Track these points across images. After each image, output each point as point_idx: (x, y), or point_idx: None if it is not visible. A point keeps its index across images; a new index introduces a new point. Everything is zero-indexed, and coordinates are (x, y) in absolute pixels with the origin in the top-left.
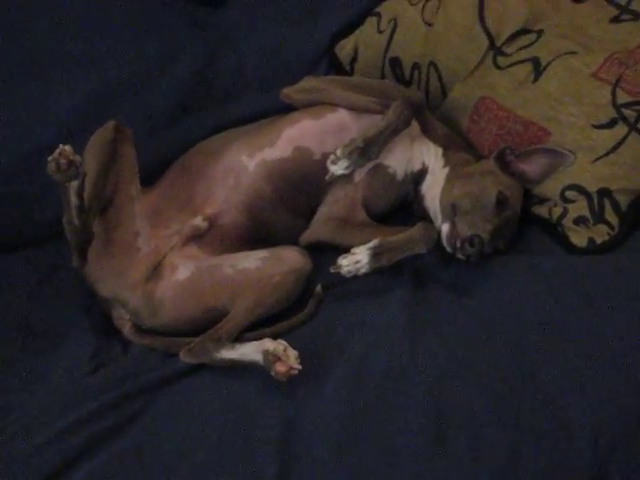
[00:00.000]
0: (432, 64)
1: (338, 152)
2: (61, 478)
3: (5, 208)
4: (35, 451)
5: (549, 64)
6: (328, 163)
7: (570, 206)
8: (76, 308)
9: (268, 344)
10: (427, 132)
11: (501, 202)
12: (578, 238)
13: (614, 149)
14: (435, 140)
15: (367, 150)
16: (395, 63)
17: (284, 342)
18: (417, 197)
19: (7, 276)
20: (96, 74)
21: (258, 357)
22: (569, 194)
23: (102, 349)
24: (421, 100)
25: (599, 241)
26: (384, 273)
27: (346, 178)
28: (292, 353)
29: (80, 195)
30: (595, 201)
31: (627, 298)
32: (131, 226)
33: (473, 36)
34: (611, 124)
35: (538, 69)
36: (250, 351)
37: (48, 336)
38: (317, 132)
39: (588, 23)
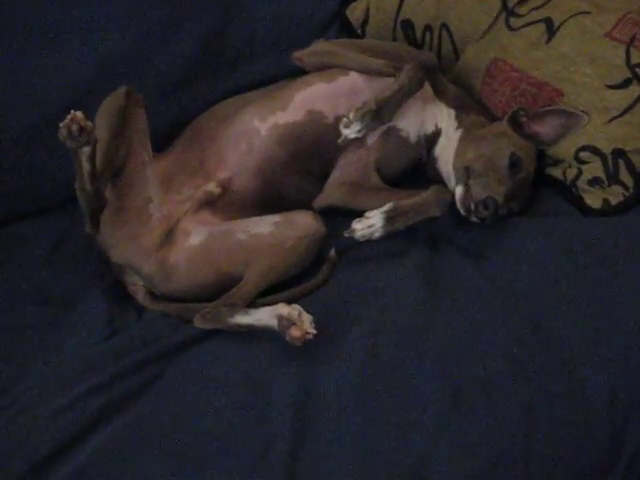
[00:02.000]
0: (444, 26)
1: (351, 115)
2: (79, 444)
3: (17, 175)
4: (52, 417)
5: (562, 24)
6: (341, 126)
7: (584, 167)
8: (89, 275)
9: (282, 309)
10: (440, 94)
11: (515, 164)
12: (593, 199)
13: (628, 109)
14: (448, 102)
15: (380, 113)
16: (407, 25)
17: (298, 307)
18: (430, 160)
19: (20, 244)
20: (106, 40)
21: (273, 322)
22: (583, 155)
23: (116, 315)
24: (433, 62)
25: (614, 202)
26: (398, 237)
27: (359, 141)
28: (307, 318)
29: (92, 161)
30: (609, 162)
31: None
32: (143, 192)
33: None
34: (625, 84)
35: (551, 29)
36: (264, 316)
37: (62, 303)
38: (329, 95)
39: None
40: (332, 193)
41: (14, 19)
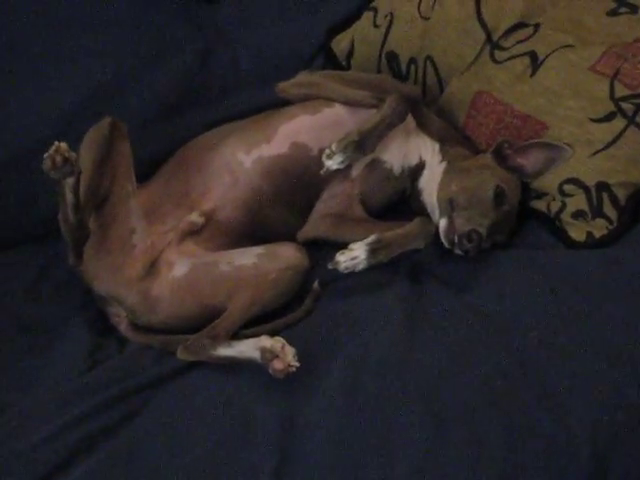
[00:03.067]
0: (429, 58)
1: (333, 146)
2: (58, 476)
3: (1, 205)
4: (32, 449)
5: (547, 58)
6: (323, 157)
7: (568, 200)
8: (72, 305)
9: (265, 341)
10: (424, 127)
11: (499, 196)
12: (577, 232)
13: (612, 143)
14: (432, 135)
15: (362, 144)
16: (392, 58)
17: (282, 339)
18: (414, 192)
19: (3, 273)
20: (91, 71)
21: (256, 354)
22: (567, 188)
23: (98, 347)
24: (417, 94)
25: (598, 235)
26: (382, 269)
27: (343, 174)
28: (290, 350)
29: (76, 192)
30: (593, 195)
31: (626, 292)
32: (127, 223)
33: (470, 30)
34: (609, 117)
35: (535, 63)
36: (247, 348)
37: (44, 334)
38: (313, 127)
39: (585, 16)
40: (316, 225)
41: (0, 49)
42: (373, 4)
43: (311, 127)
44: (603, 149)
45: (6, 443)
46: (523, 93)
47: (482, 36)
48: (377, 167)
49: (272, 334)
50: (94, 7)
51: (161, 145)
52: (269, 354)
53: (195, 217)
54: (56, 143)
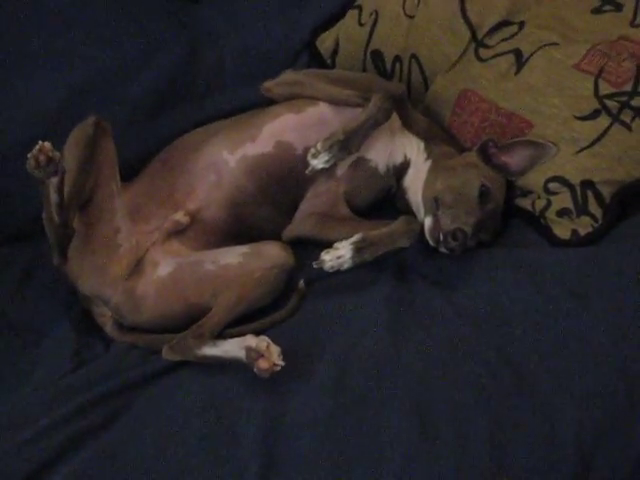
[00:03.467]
0: (414, 57)
1: (318, 146)
2: (43, 476)
3: None
4: (17, 449)
5: (531, 56)
6: (309, 157)
7: (553, 198)
8: (57, 305)
9: (250, 340)
10: (408, 125)
11: (484, 195)
12: (562, 230)
13: (597, 140)
14: (417, 133)
15: (347, 143)
16: (376, 56)
17: (267, 338)
18: (400, 191)
19: None
20: (76, 70)
21: (241, 354)
22: (552, 186)
23: (84, 347)
24: (402, 93)
25: (583, 233)
26: (367, 268)
27: (328, 172)
28: (275, 349)
29: (60, 192)
30: (578, 193)
31: (611, 290)
32: (111, 222)
33: (454, 28)
34: (594, 115)
35: (520, 61)
36: (232, 348)
37: (29, 334)
38: (298, 126)
39: (570, 14)
40: (301, 224)
41: None
42: (357, 2)
43: (296, 126)
44: (588, 147)
45: None
46: (508, 91)
47: (467, 34)
48: (362, 166)
49: (257, 333)
50: (78, 7)
51: (146, 144)
52: (254, 353)
53: (180, 216)
54: (40, 142)
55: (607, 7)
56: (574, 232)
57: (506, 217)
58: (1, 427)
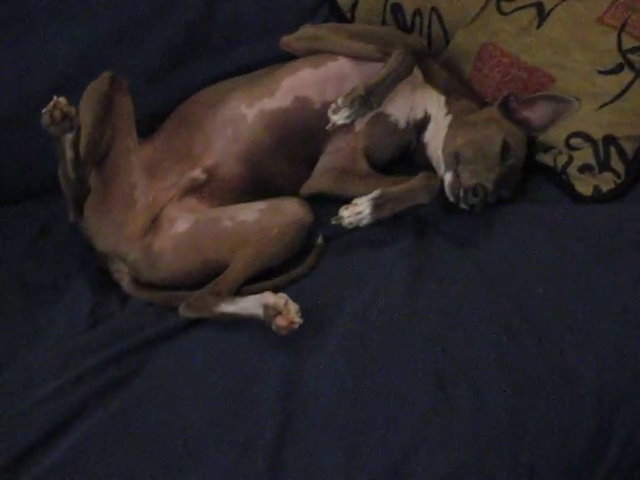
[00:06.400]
0: (434, 10)
1: (339, 101)
2: (60, 434)
3: (0, 161)
4: (34, 407)
5: (553, 9)
6: (329, 112)
7: (575, 154)
8: (74, 262)
9: (269, 298)
10: (430, 80)
11: (505, 150)
12: (583, 186)
13: (620, 95)
14: (438, 88)
15: (369, 99)
16: (396, 9)
17: (285, 295)
18: (419, 146)
19: (3, 232)
20: (91, 25)
21: (259, 311)
22: (574, 141)
23: (100, 303)
24: (423, 47)
25: (605, 189)
26: (386, 224)
27: (347, 127)
28: (293, 307)
29: (75, 148)
30: (601, 148)
31: (633, 248)
32: (128, 179)
33: None
34: (617, 70)
35: (542, 14)
36: (250, 305)
37: (46, 291)
38: (317, 81)
39: None
40: (320, 180)
41: None
42: None
43: (315, 81)
44: (610, 102)
45: (7, 401)
46: (529, 45)
47: None
48: (382, 121)
49: (275, 290)
50: None
51: (163, 100)
52: (272, 310)
53: (197, 173)
54: (55, 98)
55: None
56: (596, 188)
57: (527, 173)
58: (17, 386)
